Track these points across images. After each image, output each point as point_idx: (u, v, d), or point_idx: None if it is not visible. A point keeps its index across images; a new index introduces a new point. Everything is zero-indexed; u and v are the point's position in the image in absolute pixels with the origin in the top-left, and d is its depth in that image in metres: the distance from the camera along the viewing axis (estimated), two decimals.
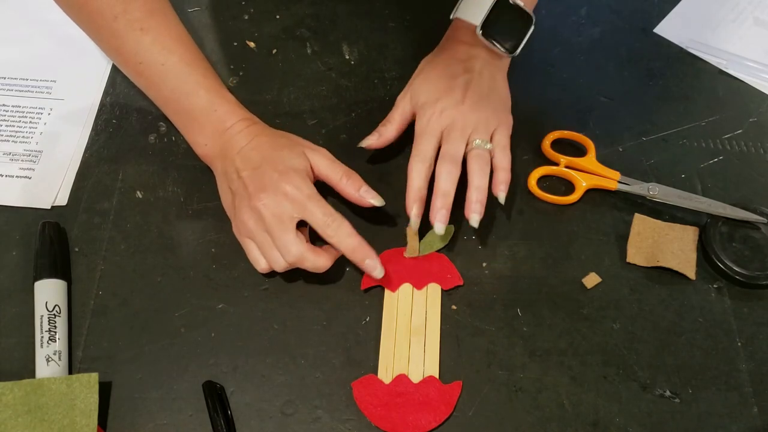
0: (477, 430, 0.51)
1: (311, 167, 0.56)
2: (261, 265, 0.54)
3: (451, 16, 0.61)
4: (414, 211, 0.56)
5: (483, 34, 0.59)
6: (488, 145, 0.58)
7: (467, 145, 0.58)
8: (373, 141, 0.60)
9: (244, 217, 0.53)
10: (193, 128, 0.57)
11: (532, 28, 0.59)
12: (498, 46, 0.59)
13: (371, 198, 0.56)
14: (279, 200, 0.52)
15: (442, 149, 0.57)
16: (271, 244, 0.53)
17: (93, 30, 0.56)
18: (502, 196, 0.57)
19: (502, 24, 0.59)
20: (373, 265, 0.54)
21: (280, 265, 0.53)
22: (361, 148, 0.60)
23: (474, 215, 0.55)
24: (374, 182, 0.57)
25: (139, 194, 0.61)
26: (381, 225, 0.60)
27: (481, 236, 0.59)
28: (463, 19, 0.59)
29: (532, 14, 0.59)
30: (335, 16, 0.73)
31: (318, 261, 0.53)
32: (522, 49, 0.60)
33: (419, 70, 0.63)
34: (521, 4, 0.58)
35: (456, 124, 0.58)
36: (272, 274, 0.56)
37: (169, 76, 0.55)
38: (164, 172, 0.62)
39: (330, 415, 0.51)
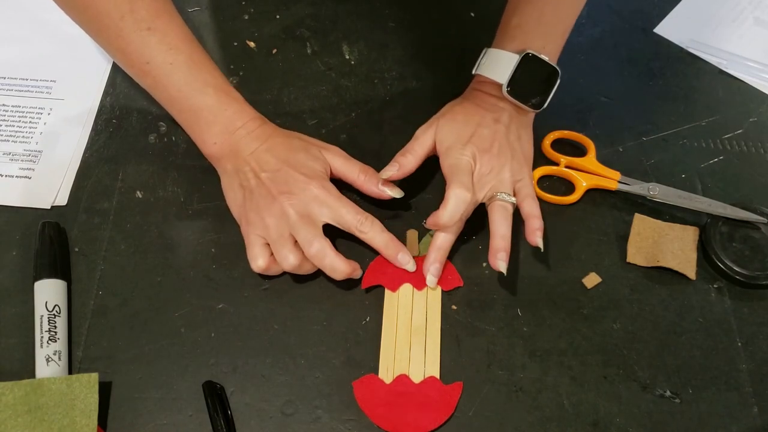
0: (477, 430, 0.51)
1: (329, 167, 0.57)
2: (258, 263, 0.54)
3: (473, 71, 0.59)
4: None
5: (510, 93, 0.57)
6: (512, 199, 0.56)
7: (488, 195, 0.57)
8: (393, 172, 0.57)
9: (263, 214, 0.53)
10: (200, 127, 0.57)
11: (558, 81, 0.58)
12: (524, 105, 0.58)
13: (390, 191, 0.56)
14: (308, 203, 0.53)
15: None
16: (287, 240, 0.53)
17: (97, 30, 0.55)
18: (540, 242, 0.55)
19: (528, 81, 0.57)
20: (407, 260, 0.55)
21: (290, 263, 0.53)
22: (385, 174, 0.57)
23: (500, 263, 0.53)
24: None
25: (139, 194, 0.61)
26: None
27: (481, 236, 0.59)
28: (487, 76, 0.58)
29: (557, 68, 0.58)
30: (335, 16, 0.73)
31: (336, 260, 0.53)
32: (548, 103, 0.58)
33: (444, 111, 0.60)
34: (546, 58, 0.57)
35: (481, 169, 0.56)
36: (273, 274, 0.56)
37: (177, 75, 0.55)
38: (164, 172, 0.62)
39: (330, 415, 0.51)
